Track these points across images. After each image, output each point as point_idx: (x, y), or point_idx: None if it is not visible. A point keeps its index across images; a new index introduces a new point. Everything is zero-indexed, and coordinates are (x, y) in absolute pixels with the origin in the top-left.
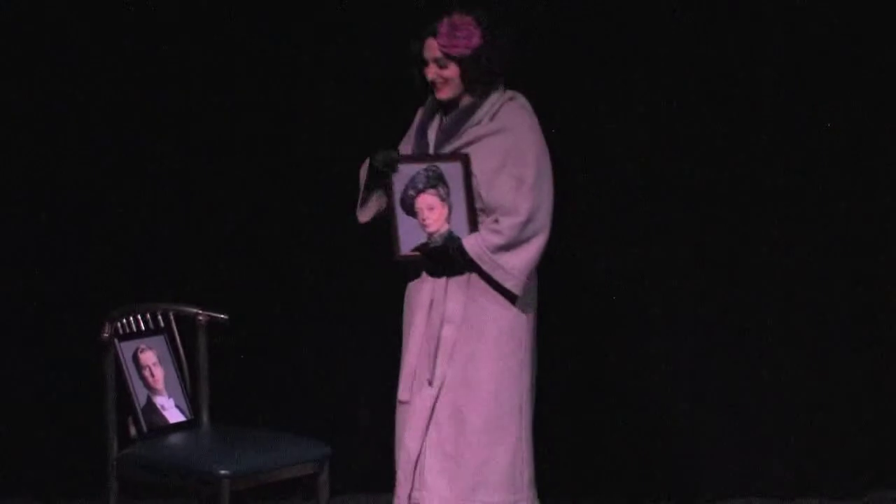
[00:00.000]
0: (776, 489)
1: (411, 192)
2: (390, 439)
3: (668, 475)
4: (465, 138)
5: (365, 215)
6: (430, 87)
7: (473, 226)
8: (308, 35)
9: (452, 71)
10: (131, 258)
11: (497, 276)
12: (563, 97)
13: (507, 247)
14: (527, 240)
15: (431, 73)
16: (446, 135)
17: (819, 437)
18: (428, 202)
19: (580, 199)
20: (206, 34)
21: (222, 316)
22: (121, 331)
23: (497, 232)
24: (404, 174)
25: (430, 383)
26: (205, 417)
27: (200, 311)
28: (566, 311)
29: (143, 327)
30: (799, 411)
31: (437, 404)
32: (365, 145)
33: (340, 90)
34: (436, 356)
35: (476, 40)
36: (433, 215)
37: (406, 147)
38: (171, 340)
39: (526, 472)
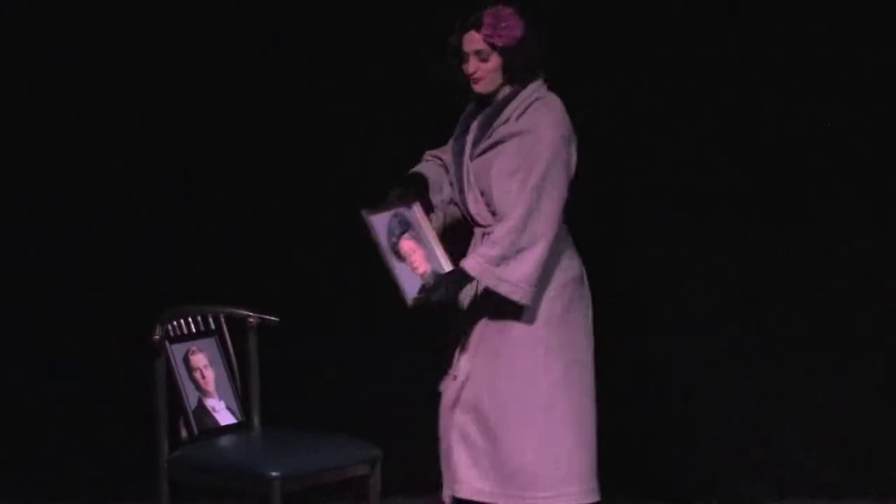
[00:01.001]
0: (817, 490)
1: (394, 240)
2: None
3: (708, 478)
4: (493, 137)
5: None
6: (469, 82)
7: (448, 262)
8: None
9: (494, 63)
10: (182, 260)
11: (503, 290)
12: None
13: (506, 257)
14: (526, 247)
15: (472, 66)
16: (481, 132)
17: (859, 436)
18: (409, 246)
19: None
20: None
21: (273, 318)
22: (172, 333)
23: (493, 243)
24: (381, 224)
25: (455, 377)
26: (255, 419)
27: (251, 313)
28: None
29: (193, 329)
30: (838, 411)
31: (461, 398)
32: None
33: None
34: (462, 351)
35: (520, 31)
36: (417, 258)
37: (445, 147)
38: (222, 342)
39: (564, 467)
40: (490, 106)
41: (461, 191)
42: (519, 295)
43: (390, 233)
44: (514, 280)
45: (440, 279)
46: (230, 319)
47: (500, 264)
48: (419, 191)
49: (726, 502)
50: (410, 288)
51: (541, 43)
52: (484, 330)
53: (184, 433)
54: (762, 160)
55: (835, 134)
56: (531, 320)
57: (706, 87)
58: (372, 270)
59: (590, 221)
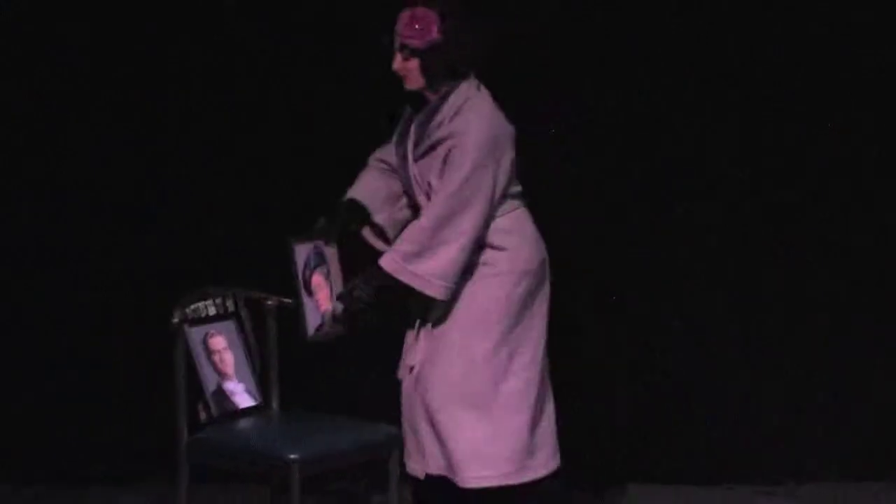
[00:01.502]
0: (834, 473)
1: (307, 272)
2: None
3: (723, 461)
4: (430, 139)
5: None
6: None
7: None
8: None
9: (413, 63)
10: (201, 243)
11: (416, 285)
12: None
13: (419, 253)
14: (441, 244)
15: (396, 62)
16: (418, 135)
17: (877, 418)
18: (318, 281)
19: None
20: None
21: (289, 300)
22: (190, 316)
23: (406, 240)
24: (302, 253)
25: (410, 369)
26: (274, 402)
27: (269, 296)
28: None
29: (212, 312)
30: (857, 392)
31: (417, 382)
32: None
33: None
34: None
35: (433, 35)
36: (321, 295)
37: (391, 149)
38: (241, 325)
39: (506, 449)
40: (424, 110)
41: (413, 193)
42: (432, 290)
43: (306, 264)
44: (426, 276)
45: (358, 280)
46: (248, 302)
47: (413, 260)
48: (350, 220)
49: (742, 485)
50: (312, 323)
51: (464, 47)
52: (435, 318)
53: (202, 416)
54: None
55: (835, 133)
56: (482, 305)
57: (707, 86)
58: None
59: (594, 217)
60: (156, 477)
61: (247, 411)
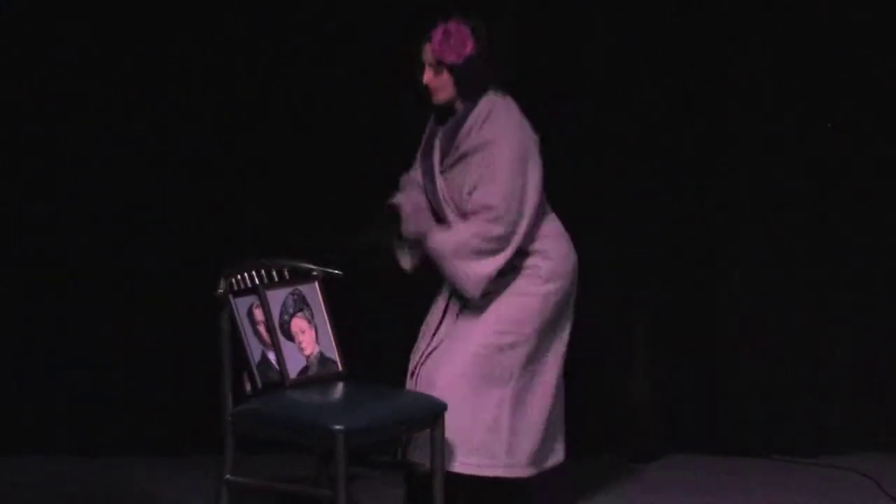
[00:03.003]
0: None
1: (286, 317)
2: None
3: (767, 431)
4: (460, 150)
5: (408, 264)
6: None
7: (339, 347)
8: None
9: (446, 77)
10: (246, 214)
11: (457, 280)
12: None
13: (469, 252)
14: (490, 253)
15: (427, 76)
16: (446, 147)
17: None
18: (300, 325)
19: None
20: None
21: (337, 272)
22: (235, 287)
23: (458, 230)
24: (276, 299)
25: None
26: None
27: (315, 267)
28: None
29: (257, 281)
30: None
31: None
32: None
33: None
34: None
35: (468, 49)
36: (306, 338)
37: (417, 164)
38: (312, 293)
39: (505, 442)
40: (450, 121)
41: (440, 208)
42: (469, 291)
43: (284, 309)
44: (469, 275)
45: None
46: (294, 273)
47: (462, 255)
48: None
49: (784, 454)
50: (292, 368)
51: (497, 60)
52: (464, 311)
53: (248, 387)
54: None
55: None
56: (522, 308)
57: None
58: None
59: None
60: (202, 447)
61: (305, 380)
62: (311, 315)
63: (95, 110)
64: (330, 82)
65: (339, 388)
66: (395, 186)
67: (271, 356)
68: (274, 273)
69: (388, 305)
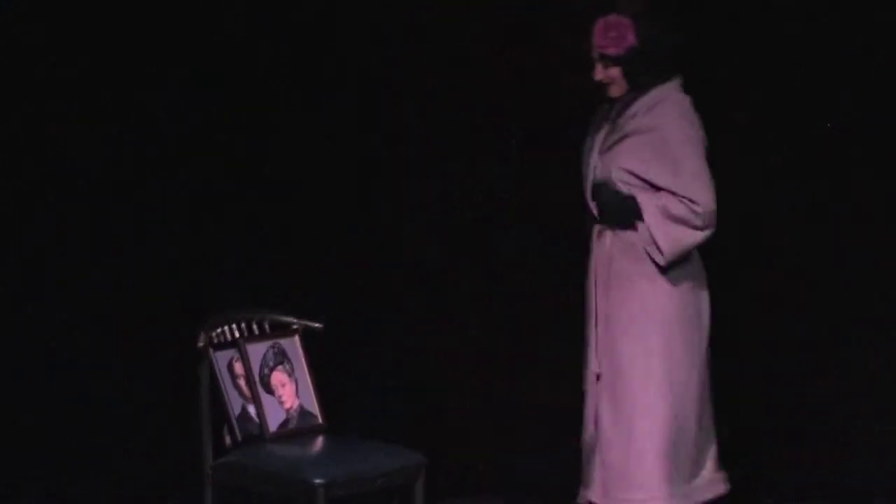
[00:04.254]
0: None
1: (266, 371)
2: (484, 443)
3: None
4: (622, 131)
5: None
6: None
7: (320, 400)
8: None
9: (615, 71)
10: (227, 267)
11: (659, 241)
12: None
13: (682, 221)
14: (697, 227)
15: (597, 72)
16: (610, 128)
17: None
18: (280, 379)
19: None
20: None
21: (317, 324)
22: (216, 340)
23: (668, 203)
24: (257, 352)
25: (598, 378)
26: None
27: (295, 320)
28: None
29: (237, 335)
30: None
31: (599, 400)
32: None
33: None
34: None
35: (629, 40)
36: (286, 392)
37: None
38: (293, 348)
39: (659, 470)
40: (617, 105)
41: (585, 185)
42: (663, 255)
43: (264, 362)
44: (672, 239)
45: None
46: (274, 326)
47: (673, 222)
48: None
49: (840, 499)
50: (273, 421)
51: (662, 49)
52: (606, 329)
53: (228, 440)
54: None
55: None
56: (642, 318)
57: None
58: (419, 275)
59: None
60: (183, 500)
61: (285, 433)
62: (292, 368)
63: (69, 160)
64: (310, 136)
65: (320, 442)
66: (374, 238)
67: (251, 409)
68: (254, 326)
69: (369, 359)
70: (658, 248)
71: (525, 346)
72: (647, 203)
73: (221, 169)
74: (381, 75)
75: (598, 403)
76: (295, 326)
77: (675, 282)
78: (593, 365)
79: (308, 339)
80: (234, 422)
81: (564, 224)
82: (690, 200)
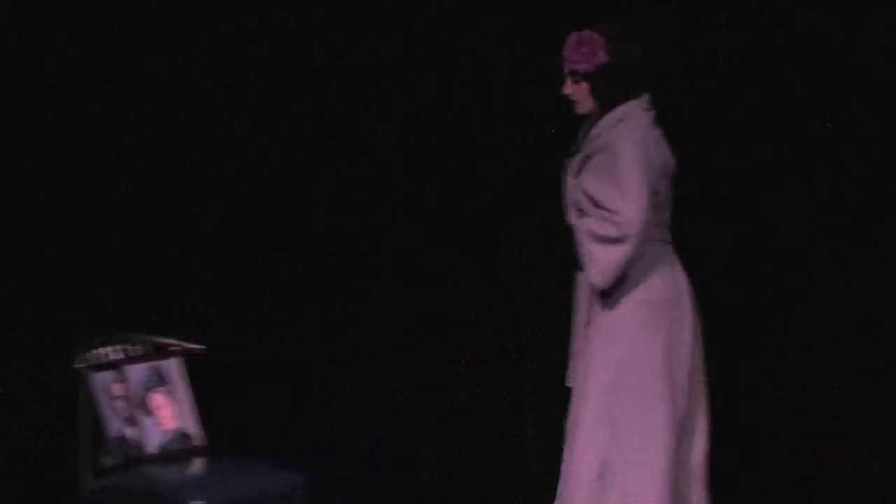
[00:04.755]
0: None
1: (145, 393)
2: (370, 462)
3: None
4: (587, 151)
5: None
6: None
7: (199, 422)
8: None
9: (583, 87)
10: (106, 288)
11: (588, 267)
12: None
13: (598, 239)
14: (619, 239)
15: (567, 87)
16: (584, 147)
17: None
18: (159, 401)
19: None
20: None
21: (197, 346)
22: (95, 361)
23: (598, 221)
24: (136, 374)
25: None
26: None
27: (175, 342)
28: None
29: (117, 357)
30: None
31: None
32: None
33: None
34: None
35: (600, 57)
36: (165, 413)
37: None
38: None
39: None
40: (584, 126)
41: (564, 208)
42: (599, 280)
43: (144, 383)
44: (602, 261)
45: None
46: (153, 348)
47: (600, 243)
48: None
49: None
50: (151, 443)
51: (634, 68)
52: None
53: (106, 462)
54: None
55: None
56: (610, 333)
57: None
58: (301, 297)
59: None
60: None
61: (164, 455)
62: (171, 390)
63: None
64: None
65: (199, 464)
66: (254, 258)
67: (130, 431)
68: (134, 348)
69: (249, 380)
70: (590, 273)
71: (413, 362)
72: (579, 229)
73: (98, 188)
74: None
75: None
76: (174, 348)
77: (643, 307)
78: (568, 378)
79: (187, 361)
80: (113, 444)
81: None
82: (613, 212)
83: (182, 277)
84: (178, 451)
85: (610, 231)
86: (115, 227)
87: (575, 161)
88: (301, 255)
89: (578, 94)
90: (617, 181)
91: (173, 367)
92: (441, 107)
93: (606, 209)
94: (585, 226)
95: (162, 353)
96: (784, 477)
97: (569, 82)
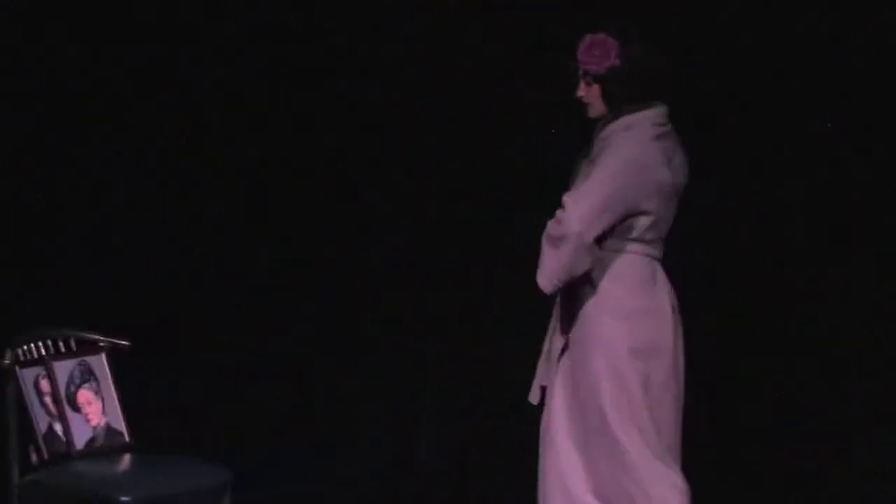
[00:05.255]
0: None
1: (73, 389)
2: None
3: None
4: (593, 156)
5: None
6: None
7: (126, 418)
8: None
9: (595, 89)
10: (33, 283)
11: (541, 263)
12: None
13: (549, 240)
14: (559, 239)
15: (580, 90)
16: (594, 146)
17: None
18: (87, 397)
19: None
20: None
21: (124, 342)
22: (22, 357)
23: (554, 221)
24: (63, 370)
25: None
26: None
27: (102, 338)
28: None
29: (44, 353)
30: None
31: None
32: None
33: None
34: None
35: (611, 60)
36: (92, 410)
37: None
38: (99, 365)
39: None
40: (595, 132)
41: None
42: (541, 283)
43: (71, 379)
44: (554, 261)
45: None
46: (81, 343)
47: (546, 241)
48: None
49: None
50: (79, 439)
51: (646, 73)
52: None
53: (34, 458)
54: None
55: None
56: (582, 344)
57: None
58: (229, 293)
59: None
60: None
61: (92, 451)
62: (98, 386)
63: None
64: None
65: (126, 460)
66: (182, 253)
67: (58, 427)
68: (61, 344)
69: (178, 376)
70: (538, 275)
71: (342, 362)
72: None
73: (22, 184)
74: None
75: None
76: (102, 344)
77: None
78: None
79: (114, 357)
80: (41, 440)
81: None
82: (563, 209)
83: (111, 272)
84: (105, 447)
85: (556, 230)
86: (44, 221)
87: (584, 164)
88: (232, 247)
89: (590, 96)
90: (583, 182)
91: (100, 362)
92: (441, 107)
93: (562, 207)
94: (548, 226)
95: (89, 349)
96: (784, 477)
97: (582, 84)
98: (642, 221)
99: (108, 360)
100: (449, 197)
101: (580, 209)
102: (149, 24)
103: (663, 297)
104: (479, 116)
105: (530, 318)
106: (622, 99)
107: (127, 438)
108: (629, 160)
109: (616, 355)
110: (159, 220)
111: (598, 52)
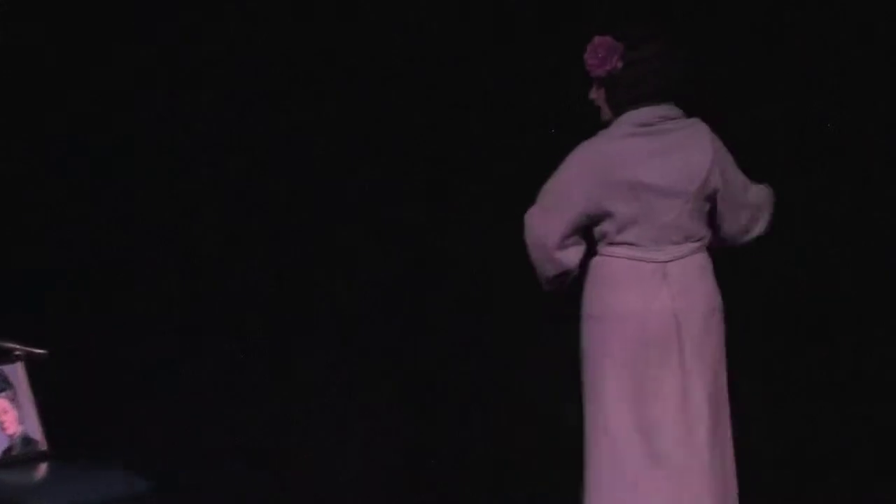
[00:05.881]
0: None
1: None
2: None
3: None
4: None
5: None
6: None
7: (43, 426)
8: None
9: (601, 93)
10: None
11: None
12: None
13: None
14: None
15: (591, 93)
16: None
17: None
18: (2, 406)
19: None
20: None
21: (40, 351)
22: None
23: None
24: None
25: None
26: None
27: (18, 346)
28: None
29: None
30: None
31: None
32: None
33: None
34: None
35: (613, 63)
36: (8, 419)
37: None
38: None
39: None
40: None
41: None
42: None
43: None
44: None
45: None
46: None
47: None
48: None
49: None
50: None
51: (651, 77)
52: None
53: None
54: None
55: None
56: (582, 348)
57: None
58: (158, 296)
59: None
60: None
61: (9, 460)
62: (14, 395)
63: None
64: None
65: (44, 469)
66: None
67: None
68: None
69: (97, 383)
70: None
71: (277, 364)
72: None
73: None
74: None
75: None
76: (18, 353)
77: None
78: None
79: (30, 365)
80: None
81: None
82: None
83: (28, 278)
84: (21, 456)
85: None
86: None
87: None
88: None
89: (599, 99)
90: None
91: (16, 371)
92: (440, 107)
93: None
94: None
95: (5, 358)
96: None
97: (593, 87)
98: (617, 222)
99: (24, 369)
100: (449, 196)
101: (532, 212)
102: (149, 23)
103: (659, 298)
104: (488, 119)
105: (530, 318)
106: (625, 102)
107: (44, 447)
108: (582, 159)
109: (590, 357)
110: (69, 224)
111: (601, 54)
